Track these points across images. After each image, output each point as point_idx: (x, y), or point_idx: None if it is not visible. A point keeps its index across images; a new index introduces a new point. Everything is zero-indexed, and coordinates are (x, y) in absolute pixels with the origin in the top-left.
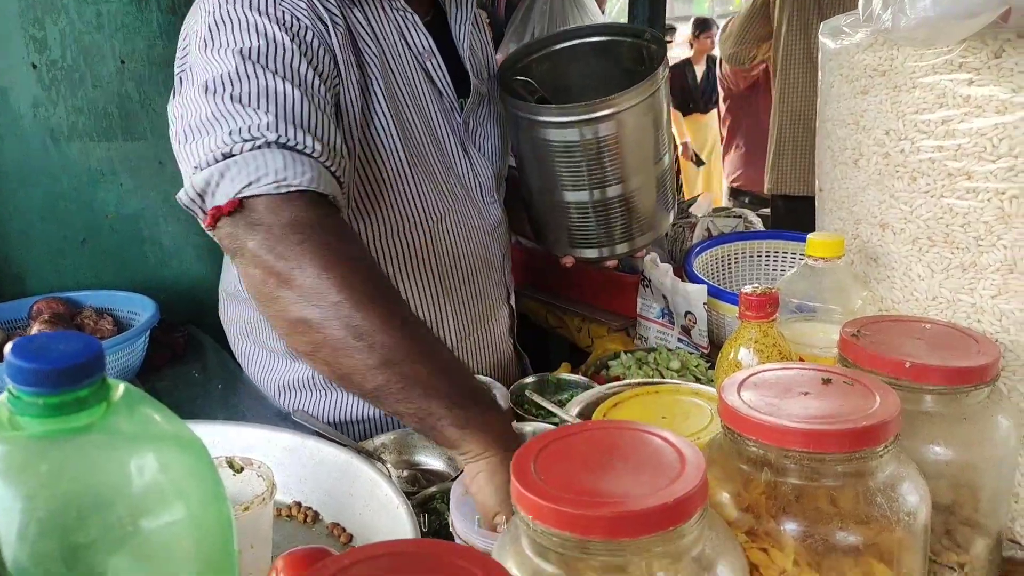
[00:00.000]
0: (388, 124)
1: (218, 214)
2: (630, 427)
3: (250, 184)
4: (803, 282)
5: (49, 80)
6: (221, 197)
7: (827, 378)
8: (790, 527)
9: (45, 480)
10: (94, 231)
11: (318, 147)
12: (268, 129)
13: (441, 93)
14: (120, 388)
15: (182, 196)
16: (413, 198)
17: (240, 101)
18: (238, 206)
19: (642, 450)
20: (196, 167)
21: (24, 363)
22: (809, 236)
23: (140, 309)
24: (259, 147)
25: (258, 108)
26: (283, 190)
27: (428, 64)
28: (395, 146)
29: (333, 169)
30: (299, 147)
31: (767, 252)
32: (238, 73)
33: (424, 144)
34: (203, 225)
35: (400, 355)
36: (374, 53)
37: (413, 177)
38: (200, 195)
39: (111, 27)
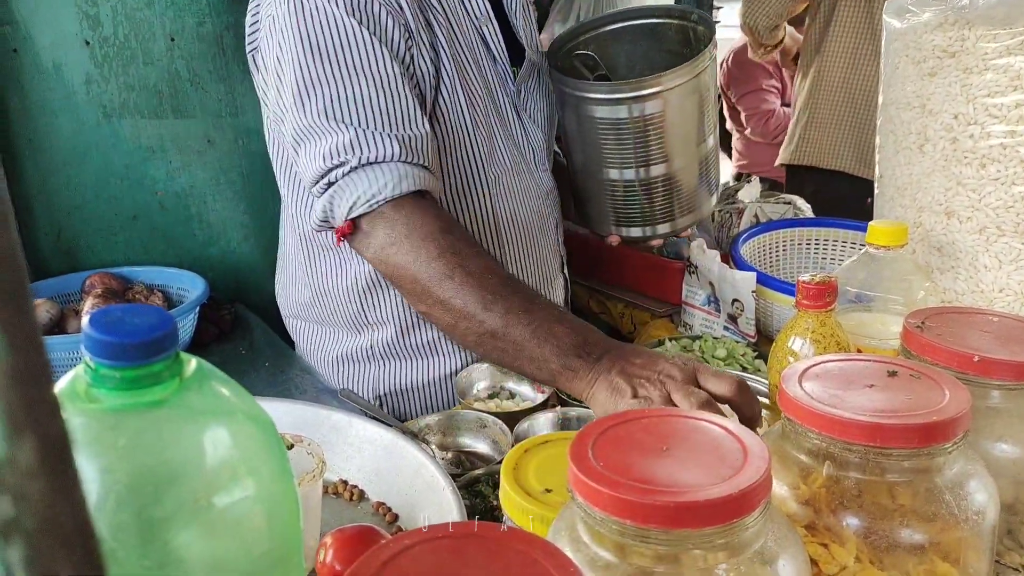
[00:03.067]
0: (455, 85)
1: (342, 235)
2: (690, 415)
3: (351, 208)
4: (862, 271)
5: (102, 57)
6: (338, 222)
7: (893, 371)
8: (851, 522)
9: (122, 453)
10: (144, 208)
11: (396, 148)
12: (350, 149)
13: (496, 59)
14: (192, 363)
15: (313, 224)
16: (473, 157)
17: (325, 115)
18: (353, 227)
19: (703, 439)
20: (311, 183)
21: (103, 336)
22: (871, 224)
23: (189, 286)
24: (347, 173)
25: (340, 122)
26: (375, 206)
27: (485, 30)
28: (460, 107)
29: (416, 162)
30: (378, 158)
31: (817, 240)
32: (316, 78)
33: (484, 105)
34: (335, 244)
35: (498, 327)
36: (439, 13)
37: (476, 137)
38: (325, 221)
39: (161, 4)
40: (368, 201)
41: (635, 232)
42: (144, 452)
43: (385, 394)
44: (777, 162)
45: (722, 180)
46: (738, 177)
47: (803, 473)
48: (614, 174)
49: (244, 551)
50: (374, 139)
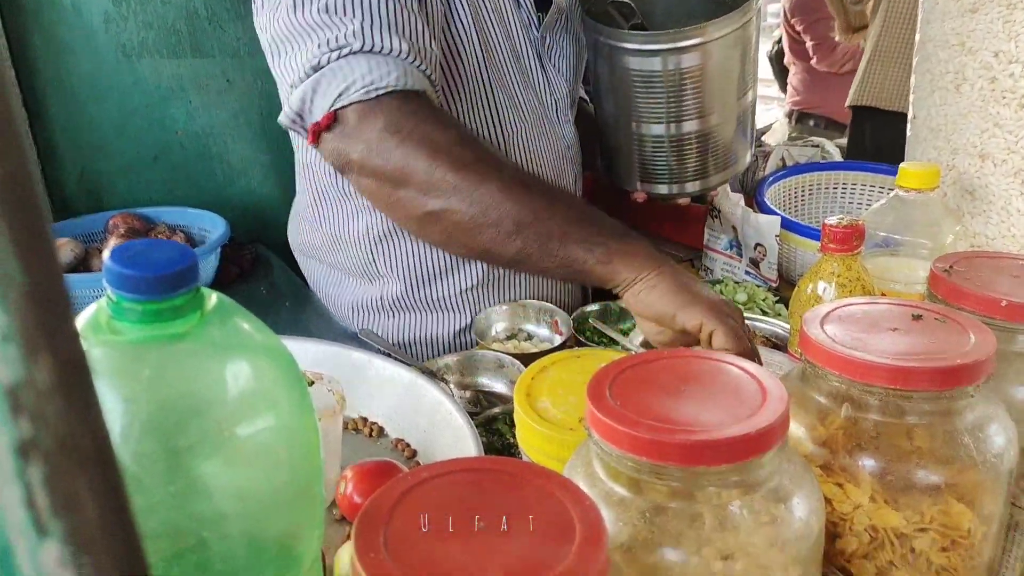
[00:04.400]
0: (468, 26)
1: (318, 130)
2: (710, 356)
3: (340, 95)
4: (891, 214)
5: None
6: (317, 112)
7: (918, 314)
8: (867, 463)
9: (146, 384)
10: (165, 148)
11: (404, 47)
12: (353, 37)
13: (520, 4)
14: (213, 298)
15: (283, 118)
16: (489, 108)
17: (327, 11)
18: (334, 119)
19: (722, 379)
20: (291, 85)
21: (125, 270)
22: (902, 165)
23: (210, 226)
24: (344, 56)
25: (344, 15)
26: (372, 95)
27: None
28: (474, 51)
29: (422, 68)
30: (384, 50)
31: (844, 184)
32: None
33: (503, 53)
34: (308, 143)
35: (528, 216)
36: None
37: (491, 86)
38: (299, 114)
39: None
40: (365, 87)
41: (662, 189)
42: (167, 383)
43: (396, 344)
44: (846, 103)
45: (774, 120)
46: (789, 116)
47: (821, 415)
48: (645, 129)
49: (266, 480)
50: (381, 34)
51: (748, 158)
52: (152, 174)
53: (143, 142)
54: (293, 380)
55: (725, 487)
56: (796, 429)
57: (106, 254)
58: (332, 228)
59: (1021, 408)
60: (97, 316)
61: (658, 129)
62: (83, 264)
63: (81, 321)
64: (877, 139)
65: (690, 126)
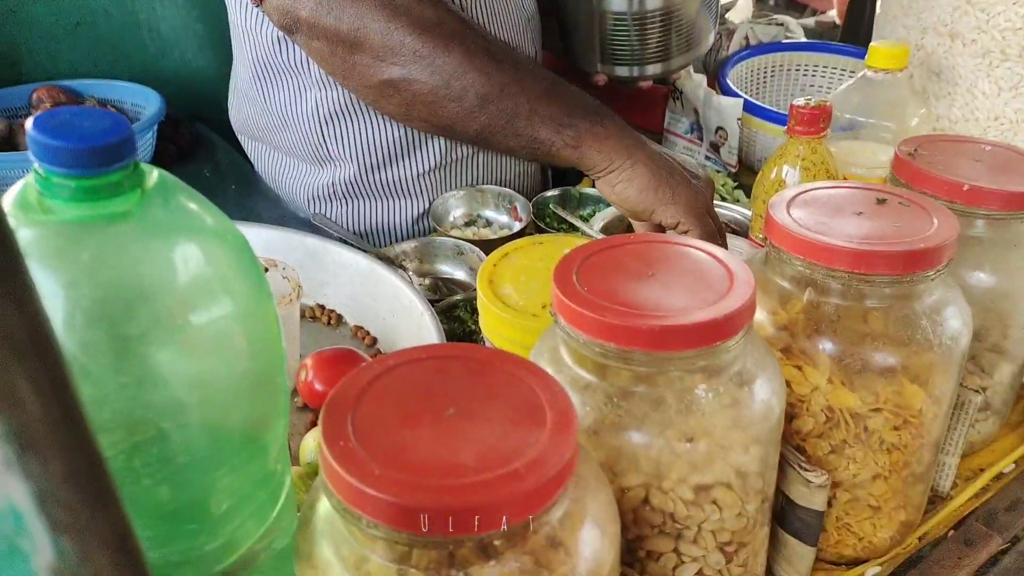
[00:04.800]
0: None
1: None
2: (677, 241)
3: None
4: (857, 95)
5: None
6: None
7: (882, 198)
8: (827, 346)
9: (86, 268)
10: (87, 13)
11: None
12: None
13: None
14: (154, 174)
15: None
16: None
17: None
18: None
19: (689, 264)
20: None
21: (53, 140)
22: (872, 44)
23: (143, 101)
24: None
25: None
26: None
27: None
28: None
29: None
30: None
31: (808, 66)
32: None
33: None
34: (253, 4)
35: (494, 91)
36: None
37: None
38: None
39: None
40: None
41: (622, 72)
42: (110, 267)
43: (357, 233)
44: None
45: None
46: None
47: (783, 299)
48: (606, 4)
49: (225, 369)
50: None
51: (712, 38)
52: (75, 43)
53: (61, 6)
54: (247, 263)
55: (691, 371)
56: (758, 314)
57: (29, 122)
58: (278, 107)
59: (973, 292)
60: (26, 193)
61: (621, 5)
62: (8, 143)
63: (7, 199)
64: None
65: (654, 2)
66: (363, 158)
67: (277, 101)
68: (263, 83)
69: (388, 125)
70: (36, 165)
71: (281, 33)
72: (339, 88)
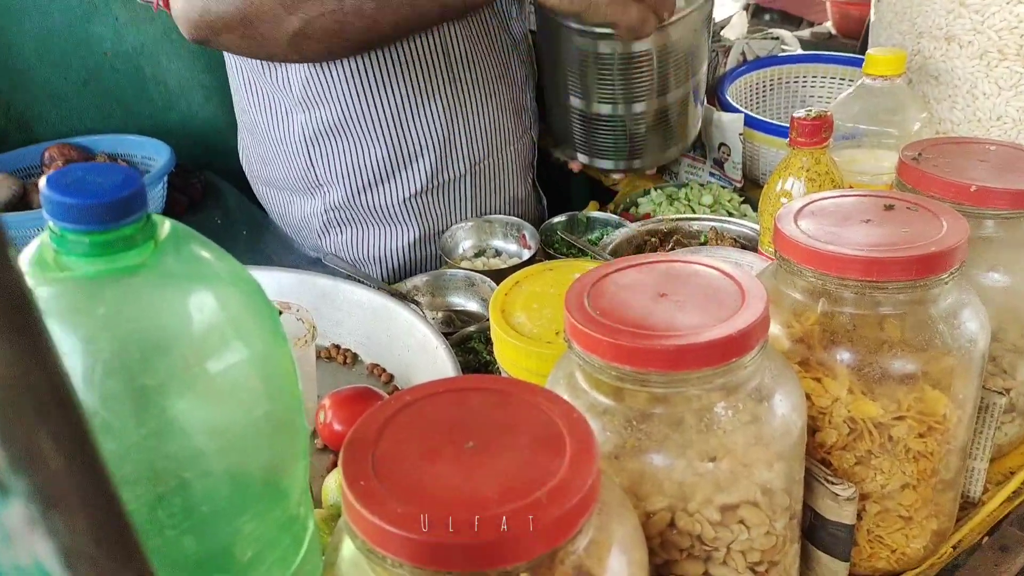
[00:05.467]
0: None
1: None
2: (686, 260)
3: None
4: (857, 104)
5: None
6: None
7: (890, 204)
8: (844, 357)
9: (102, 322)
10: (94, 71)
11: None
12: None
13: None
14: (166, 225)
15: None
16: None
17: None
18: None
19: (700, 283)
20: None
21: (65, 198)
22: (868, 52)
23: (154, 154)
24: None
25: None
26: None
27: None
28: None
29: None
30: None
31: (805, 76)
32: None
33: None
34: (163, 9)
35: None
36: None
37: None
38: None
39: None
40: None
41: (606, 165)
42: (126, 320)
43: (360, 270)
44: None
45: (732, 13)
46: (746, 9)
47: (796, 311)
48: (575, 102)
49: (244, 414)
50: None
51: (689, 142)
52: (83, 100)
53: (70, 66)
54: (261, 307)
55: (708, 390)
56: (773, 327)
57: (42, 182)
58: (271, 131)
59: (988, 293)
60: (42, 252)
61: (593, 106)
62: (22, 202)
63: (24, 258)
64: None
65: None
66: (350, 180)
67: (270, 124)
68: (255, 111)
69: (374, 145)
70: (50, 223)
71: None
72: (323, 107)
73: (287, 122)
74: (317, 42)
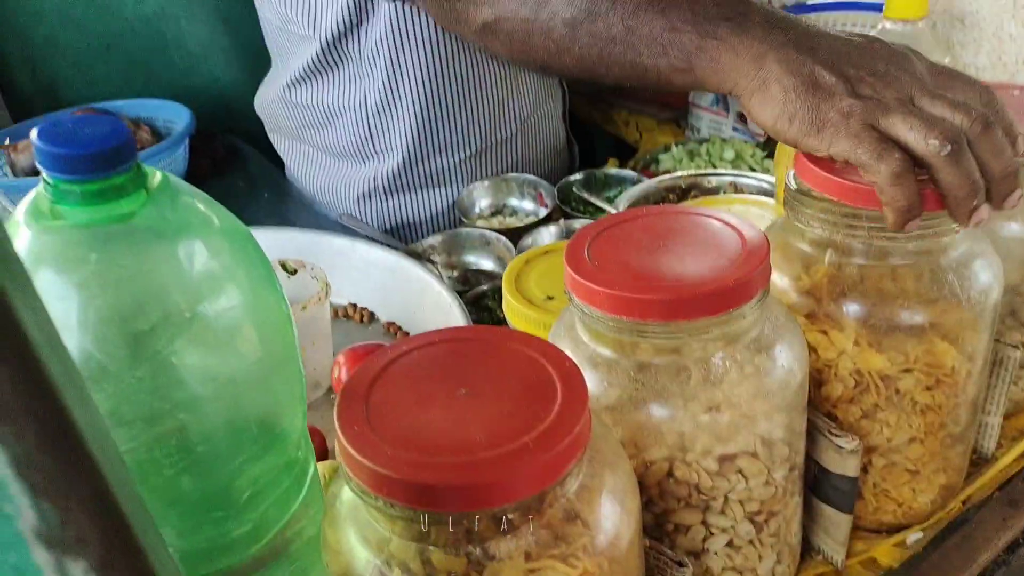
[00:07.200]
0: None
1: None
2: (688, 211)
3: None
4: None
5: None
6: None
7: None
8: (852, 308)
9: (96, 268)
10: (117, 36)
11: None
12: None
13: None
14: (157, 176)
15: None
16: None
17: None
18: None
19: (701, 234)
20: None
21: (56, 148)
22: None
23: (175, 117)
24: None
25: None
26: None
27: None
28: None
29: None
30: None
31: (827, 24)
32: None
33: None
34: None
35: (580, 13)
36: None
37: None
38: None
39: None
40: None
41: None
42: (119, 266)
43: (385, 230)
44: None
45: None
46: None
47: (805, 264)
48: None
49: (237, 359)
50: None
51: None
52: (107, 66)
53: (92, 31)
54: (253, 256)
55: (707, 340)
56: (780, 280)
57: (34, 134)
58: (327, 99)
59: (1007, 245)
60: (37, 202)
61: None
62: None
63: (21, 208)
64: None
65: None
66: (408, 149)
67: (328, 92)
68: (310, 83)
69: (432, 114)
70: (44, 173)
71: (344, 25)
72: (385, 78)
73: (350, 90)
74: (501, 43)
